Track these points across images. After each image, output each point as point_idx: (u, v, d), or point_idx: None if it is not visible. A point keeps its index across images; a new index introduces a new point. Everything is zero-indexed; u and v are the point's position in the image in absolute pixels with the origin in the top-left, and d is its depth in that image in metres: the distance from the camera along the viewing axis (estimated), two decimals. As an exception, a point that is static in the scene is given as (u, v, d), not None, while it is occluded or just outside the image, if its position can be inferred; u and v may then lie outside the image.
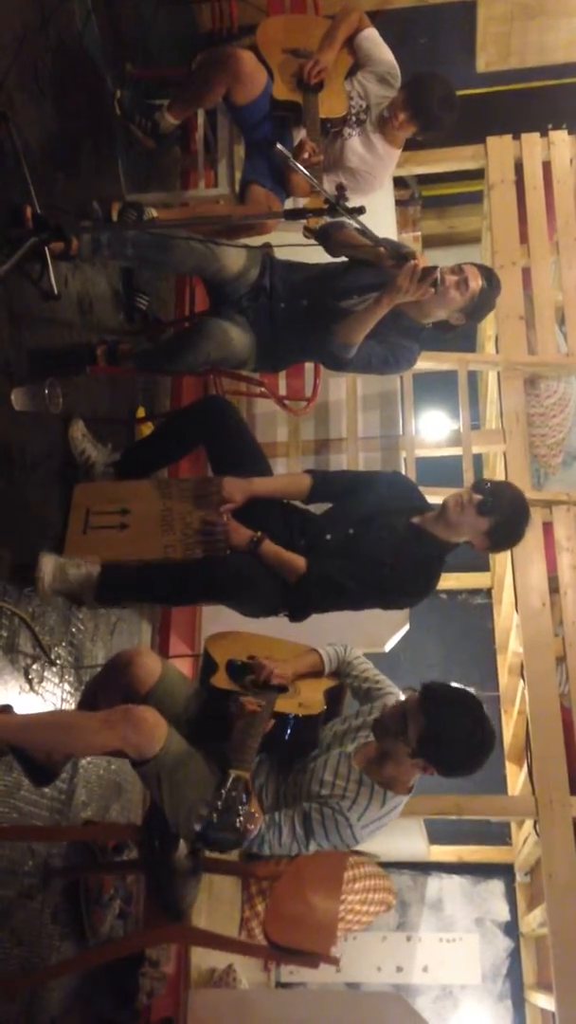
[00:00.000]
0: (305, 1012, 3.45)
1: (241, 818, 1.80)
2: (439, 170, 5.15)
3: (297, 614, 2.69)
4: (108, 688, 2.42)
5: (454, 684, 2.18)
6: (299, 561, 2.60)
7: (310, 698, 2.42)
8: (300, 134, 3.07)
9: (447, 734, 2.09)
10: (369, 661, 2.60)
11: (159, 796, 2.19)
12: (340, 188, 2.41)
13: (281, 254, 3.03)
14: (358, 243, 2.63)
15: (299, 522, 2.75)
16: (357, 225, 2.47)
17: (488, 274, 2.83)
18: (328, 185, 2.70)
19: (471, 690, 2.19)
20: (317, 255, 2.88)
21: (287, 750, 2.33)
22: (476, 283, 2.79)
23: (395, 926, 5.17)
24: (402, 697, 2.39)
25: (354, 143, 3.17)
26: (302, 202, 3.24)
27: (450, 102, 3.07)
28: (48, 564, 2.50)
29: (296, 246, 2.72)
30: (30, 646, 2.54)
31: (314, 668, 2.55)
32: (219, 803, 1.81)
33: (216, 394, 3.72)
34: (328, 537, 2.68)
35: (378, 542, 2.64)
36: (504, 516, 2.58)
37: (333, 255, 2.83)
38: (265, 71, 3.11)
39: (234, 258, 2.86)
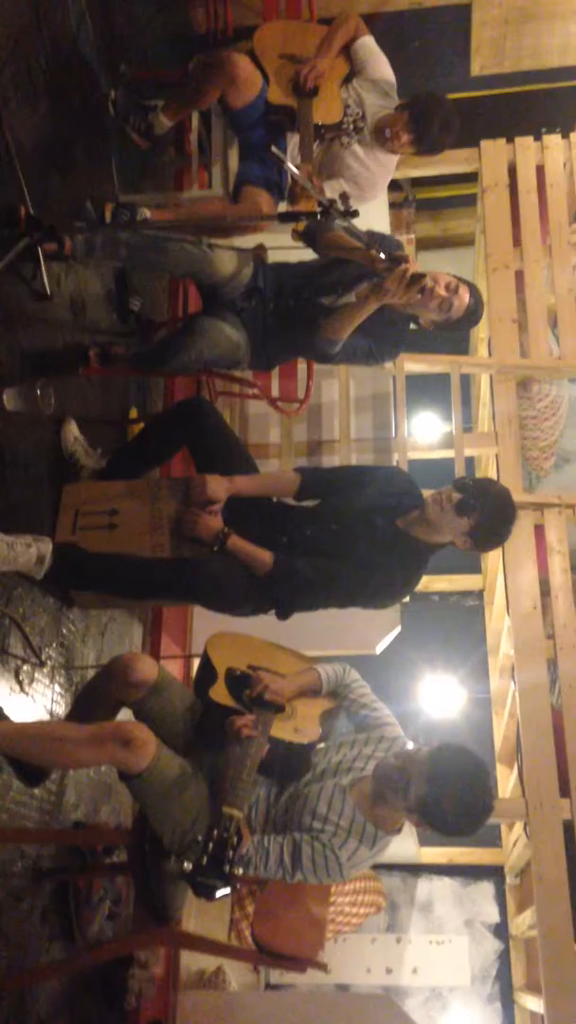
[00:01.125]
0: (295, 1014, 3.45)
1: (229, 865, 1.71)
2: (433, 173, 5.16)
3: (279, 612, 2.68)
4: (102, 693, 2.41)
5: (462, 748, 2.15)
6: (265, 556, 2.57)
7: (306, 721, 2.41)
8: (294, 139, 3.08)
9: (448, 806, 2.08)
10: (367, 685, 2.57)
11: (147, 811, 2.19)
12: (344, 197, 2.41)
13: (271, 255, 3.03)
14: (347, 244, 2.64)
15: (281, 517, 2.74)
16: (352, 229, 2.47)
17: (476, 304, 2.82)
18: (332, 193, 2.70)
19: (477, 756, 2.16)
20: (308, 255, 2.89)
21: (279, 774, 2.32)
22: (460, 307, 2.78)
23: (385, 928, 5.17)
24: (405, 739, 2.37)
25: (355, 150, 3.18)
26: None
27: (450, 126, 3.11)
28: None
29: (288, 249, 2.73)
30: (20, 647, 2.53)
31: (312, 687, 2.53)
32: (210, 845, 1.73)
33: (195, 396, 3.71)
34: (308, 532, 2.67)
35: (358, 541, 2.61)
36: (485, 515, 2.52)
37: (321, 255, 2.83)
38: (260, 75, 3.11)
39: (227, 260, 2.86)
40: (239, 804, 1.89)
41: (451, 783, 2.07)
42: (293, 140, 3.10)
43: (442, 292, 2.75)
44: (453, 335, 2.96)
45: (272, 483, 2.82)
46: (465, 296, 2.78)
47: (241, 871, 1.74)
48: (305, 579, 2.57)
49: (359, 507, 2.69)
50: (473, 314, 2.82)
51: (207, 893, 1.70)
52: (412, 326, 2.96)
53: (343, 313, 2.76)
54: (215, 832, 1.76)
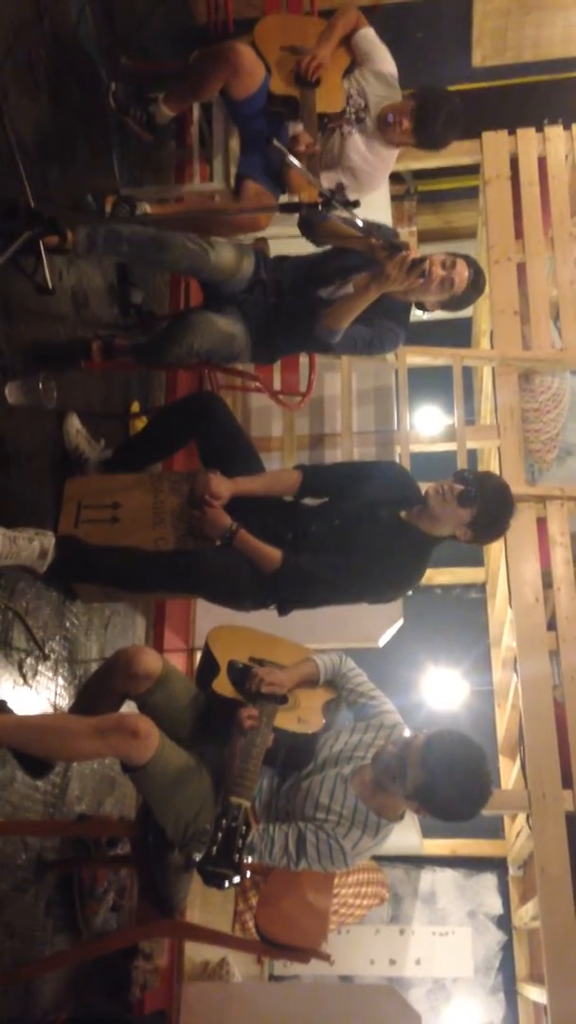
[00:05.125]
0: (298, 1005, 3.46)
1: (239, 854, 1.71)
2: (435, 165, 5.15)
3: (281, 608, 2.69)
4: (106, 685, 2.42)
5: (459, 734, 2.16)
6: (274, 554, 2.58)
7: (308, 712, 2.41)
8: (296, 128, 3.07)
9: (445, 790, 2.08)
10: (364, 673, 2.58)
11: (150, 803, 2.20)
12: (340, 186, 2.41)
13: (272, 246, 3.03)
14: (345, 233, 2.63)
15: (288, 514, 2.74)
16: (351, 219, 2.47)
17: (476, 275, 2.82)
18: (328, 183, 2.69)
19: (474, 741, 2.16)
20: (309, 247, 2.88)
21: (283, 764, 2.33)
22: (462, 282, 2.79)
23: (388, 919, 5.19)
24: (403, 728, 2.38)
25: (355, 141, 3.17)
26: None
27: (455, 123, 3.09)
28: None
29: (289, 238, 2.72)
30: (24, 640, 2.54)
31: (310, 677, 2.53)
32: (219, 835, 1.73)
33: (203, 390, 3.71)
34: (313, 528, 2.67)
35: (362, 534, 2.62)
36: (485, 506, 2.56)
37: (319, 245, 2.82)
38: (263, 66, 3.10)
39: (228, 258, 2.85)
40: (246, 794, 1.90)
41: (448, 769, 2.07)
42: (295, 129, 3.09)
43: (440, 272, 2.76)
44: (458, 324, 2.96)
45: (274, 482, 2.82)
46: (463, 270, 2.79)
47: (249, 859, 1.75)
48: (311, 575, 2.58)
49: (362, 502, 2.70)
50: (475, 285, 2.82)
51: (217, 882, 1.70)
52: (422, 314, 2.95)
53: (343, 303, 2.76)
54: (224, 821, 1.76)
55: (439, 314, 2.98)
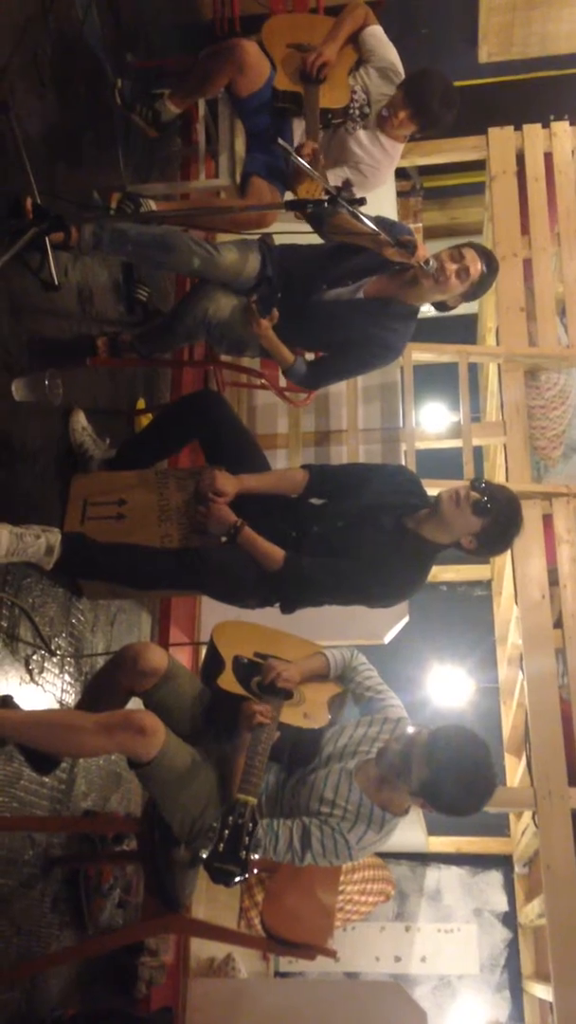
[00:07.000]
0: (304, 1001, 3.47)
1: (246, 851, 1.72)
2: (441, 161, 5.14)
3: (284, 606, 2.68)
4: (112, 682, 2.42)
5: (463, 729, 2.15)
6: (277, 553, 2.57)
7: (314, 707, 2.41)
8: (301, 126, 3.06)
9: (449, 785, 2.08)
10: (373, 669, 2.57)
11: (156, 799, 2.21)
12: (346, 183, 2.40)
13: (280, 242, 3.02)
14: (354, 229, 2.62)
15: (294, 513, 2.73)
16: (359, 216, 2.46)
17: (487, 257, 2.81)
18: (334, 180, 2.68)
19: (478, 736, 2.15)
20: (314, 240, 2.87)
21: (288, 759, 2.33)
22: (476, 268, 2.77)
23: (394, 916, 5.19)
24: (407, 723, 2.37)
25: (359, 137, 3.16)
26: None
27: (450, 99, 3.05)
28: (3, 535, 2.38)
29: (295, 233, 2.71)
30: (30, 636, 2.55)
31: (319, 672, 2.53)
32: (225, 832, 1.74)
33: (204, 389, 3.70)
34: (315, 529, 2.66)
35: (364, 539, 2.60)
36: (498, 519, 2.52)
37: (327, 240, 2.81)
38: (268, 62, 3.10)
39: (232, 259, 2.84)
40: (253, 791, 1.90)
41: (451, 764, 2.07)
42: (300, 126, 3.09)
43: (452, 265, 2.74)
44: (464, 321, 2.96)
45: (280, 481, 2.81)
46: (473, 254, 2.78)
47: (255, 856, 1.75)
48: (311, 578, 2.58)
49: (366, 505, 2.67)
50: (490, 266, 2.81)
51: (224, 879, 1.71)
52: (426, 309, 2.94)
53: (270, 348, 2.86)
54: (230, 819, 1.77)
55: (443, 310, 2.97)
